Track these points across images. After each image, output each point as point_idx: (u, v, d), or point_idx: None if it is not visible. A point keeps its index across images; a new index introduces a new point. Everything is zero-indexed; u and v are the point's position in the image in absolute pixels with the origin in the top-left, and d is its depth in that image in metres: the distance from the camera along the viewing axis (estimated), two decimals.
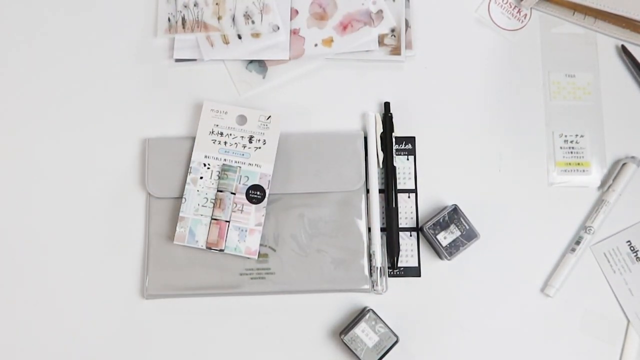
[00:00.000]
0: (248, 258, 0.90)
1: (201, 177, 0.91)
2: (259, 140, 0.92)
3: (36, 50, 0.98)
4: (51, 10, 1.00)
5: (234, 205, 0.90)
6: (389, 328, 0.89)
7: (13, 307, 0.91)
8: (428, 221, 0.91)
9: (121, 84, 0.98)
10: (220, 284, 0.90)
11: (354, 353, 0.88)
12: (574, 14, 1.00)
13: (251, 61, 0.98)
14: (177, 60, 0.98)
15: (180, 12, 0.98)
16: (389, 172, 0.93)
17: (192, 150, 0.92)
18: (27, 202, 0.94)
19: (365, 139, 0.95)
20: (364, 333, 0.89)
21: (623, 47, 0.99)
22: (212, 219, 0.90)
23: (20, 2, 1.00)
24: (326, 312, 0.92)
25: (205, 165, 0.91)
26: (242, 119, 0.93)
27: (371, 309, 0.90)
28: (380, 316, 0.90)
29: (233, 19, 0.97)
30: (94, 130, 0.96)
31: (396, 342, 0.89)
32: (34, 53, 0.98)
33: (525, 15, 1.01)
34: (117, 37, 0.99)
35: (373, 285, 0.91)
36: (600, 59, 0.99)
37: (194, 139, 0.93)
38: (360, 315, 0.90)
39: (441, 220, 0.91)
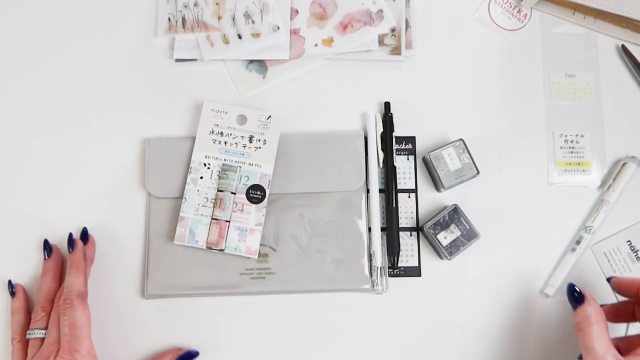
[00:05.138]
0: (248, 258, 0.90)
1: (201, 177, 0.91)
2: (259, 140, 0.92)
3: (36, 49, 0.98)
4: (51, 10, 1.00)
5: (234, 205, 0.90)
6: (474, 162, 0.92)
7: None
8: (428, 221, 0.91)
9: (121, 84, 0.97)
10: (221, 284, 0.90)
11: (435, 172, 0.91)
12: (574, 13, 1.00)
13: (251, 61, 0.98)
14: (177, 60, 0.98)
15: (180, 12, 0.98)
16: (389, 172, 0.93)
17: (192, 150, 0.92)
18: (26, 202, 0.94)
19: (366, 138, 0.95)
20: (449, 157, 0.90)
21: (623, 47, 0.99)
22: (212, 218, 0.90)
23: (20, 3, 1.00)
24: (326, 312, 0.92)
25: (205, 165, 0.91)
26: (242, 119, 0.93)
27: (462, 139, 0.92)
28: (381, 316, 0.91)
29: (233, 19, 0.97)
30: (94, 129, 0.96)
31: (477, 174, 0.92)
32: (33, 53, 0.98)
33: (526, 15, 1.01)
34: (117, 37, 0.99)
35: (373, 285, 0.91)
36: (600, 59, 0.99)
37: (194, 138, 0.93)
38: (450, 142, 0.92)
39: (441, 220, 0.91)
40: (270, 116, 0.93)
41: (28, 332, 0.85)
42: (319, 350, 0.91)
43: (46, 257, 0.90)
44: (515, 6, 1.01)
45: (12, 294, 0.90)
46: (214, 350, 0.91)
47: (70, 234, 0.90)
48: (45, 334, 0.84)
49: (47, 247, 0.91)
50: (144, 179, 0.93)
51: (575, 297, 0.81)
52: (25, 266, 0.92)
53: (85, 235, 0.91)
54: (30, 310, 0.89)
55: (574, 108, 0.98)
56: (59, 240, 0.93)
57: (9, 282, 0.91)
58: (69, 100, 0.97)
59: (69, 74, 0.98)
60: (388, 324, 0.92)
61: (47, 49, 0.98)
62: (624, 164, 0.95)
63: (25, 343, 0.86)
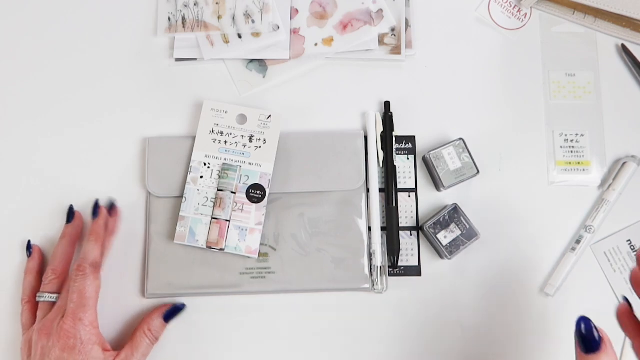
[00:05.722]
0: (248, 257, 0.90)
1: (201, 177, 0.91)
2: (259, 140, 0.92)
3: (37, 49, 0.98)
4: (52, 11, 1.00)
5: (234, 204, 0.90)
6: (474, 161, 0.92)
7: (17, 305, 0.91)
8: (428, 220, 0.91)
9: (121, 84, 0.98)
10: (221, 284, 0.90)
11: (435, 171, 0.91)
12: (574, 13, 1.00)
13: (251, 60, 0.98)
14: (178, 60, 0.98)
15: (181, 11, 0.98)
16: (389, 171, 0.93)
17: (192, 150, 0.92)
18: (27, 200, 0.94)
19: (366, 138, 0.95)
20: (450, 156, 0.91)
21: (623, 46, 0.99)
22: (212, 218, 0.90)
23: (22, 4, 1.00)
24: (326, 312, 0.92)
25: (205, 164, 0.91)
26: (242, 118, 0.93)
27: (462, 139, 0.92)
28: (381, 315, 0.91)
29: (233, 19, 0.97)
30: (94, 129, 0.96)
31: (477, 174, 0.92)
32: (34, 52, 0.98)
33: (526, 14, 1.01)
34: (118, 36, 0.99)
35: (373, 285, 0.91)
36: (600, 58, 0.99)
37: (194, 138, 0.93)
38: (450, 141, 0.93)
39: (441, 219, 0.91)
40: (270, 115, 0.93)
41: (38, 294, 0.87)
42: (319, 350, 0.91)
43: (67, 222, 0.91)
44: (515, 5, 1.01)
45: (29, 254, 0.91)
46: (214, 350, 0.91)
47: (97, 201, 0.91)
48: (55, 298, 0.86)
49: (71, 212, 0.92)
50: (144, 178, 0.93)
51: (591, 340, 0.67)
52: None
53: (112, 206, 0.92)
54: (43, 273, 0.90)
55: (574, 107, 0.98)
56: (52, 244, 0.93)
57: (28, 242, 0.92)
58: (69, 100, 0.97)
59: (69, 74, 0.98)
60: (388, 324, 0.92)
61: (48, 49, 0.99)
62: (624, 163, 0.95)
63: (34, 305, 0.88)
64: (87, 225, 0.92)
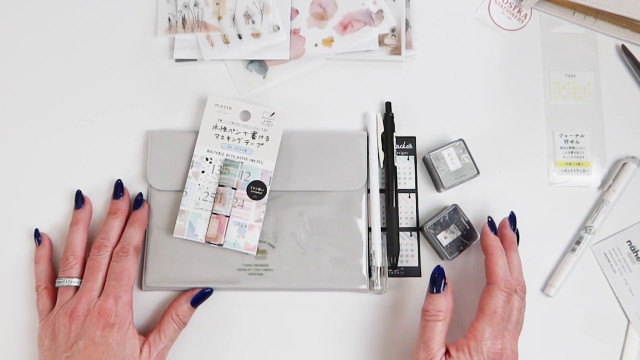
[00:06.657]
0: (247, 254, 0.90)
1: (203, 171, 0.91)
2: (262, 137, 0.92)
3: (37, 49, 0.99)
4: (54, 12, 1.00)
5: (235, 200, 0.90)
6: (474, 162, 0.92)
7: (16, 299, 0.91)
8: (428, 221, 0.91)
9: (121, 84, 0.98)
10: (218, 279, 0.90)
11: (435, 172, 0.91)
12: (574, 14, 1.00)
13: (251, 61, 0.98)
14: (178, 60, 0.98)
15: (181, 12, 0.98)
16: (389, 172, 0.93)
17: (194, 144, 0.92)
18: (29, 193, 0.94)
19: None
20: (450, 157, 0.91)
21: (623, 47, 0.99)
22: (212, 213, 0.90)
23: (23, 4, 1.00)
24: (324, 311, 0.92)
25: (207, 159, 0.91)
26: (246, 115, 0.93)
27: (462, 139, 0.92)
28: (380, 316, 0.90)
29: (233, 19, 0.97)
30: (95, 127, 0.96)
31: (477, 174, 0.92)
32: (35, 52, 0.99)
33: (526, 15, 1.01)
34: (117, 37, 0.99)
35: (373, 285, 0.90)
36: (600, 58, 1.00)
37: (197, 132, 0.93)
38: (450, 142, 0.93)
39: (441, 220, 0.91)
40: (274, 113, 0.93)
41: (58, 280, 0.87)
42: (316, 349, 0.91)
43: (77, 207, 0.92)
44: (516, 6, 1.01)
45: (39, 242, 0.91)
46: (209, 345, 0.90)
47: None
48: (77, 282, 0.87)
49: (80, 197, 0.92)
50: (145, 171, 0.93)
51: (438, 283, 0.85)
52: (26, 255, 0.93)
53: (142, 201, 0.92)
54: (54, 259, 0.91)
55: (574, 108, 0.98)
56: (61, 231, 0.93)
57: (36, 230, 0.92)
58: (69, 100, 0.97)
59: (69, 74, 0.98)
60: (388, 324, 0.91)
61: (48, 49, 0.99)
62: (624, 164, 0.95)
63: (52, 290, 0.88)
64: (97, 210, 0.94)
